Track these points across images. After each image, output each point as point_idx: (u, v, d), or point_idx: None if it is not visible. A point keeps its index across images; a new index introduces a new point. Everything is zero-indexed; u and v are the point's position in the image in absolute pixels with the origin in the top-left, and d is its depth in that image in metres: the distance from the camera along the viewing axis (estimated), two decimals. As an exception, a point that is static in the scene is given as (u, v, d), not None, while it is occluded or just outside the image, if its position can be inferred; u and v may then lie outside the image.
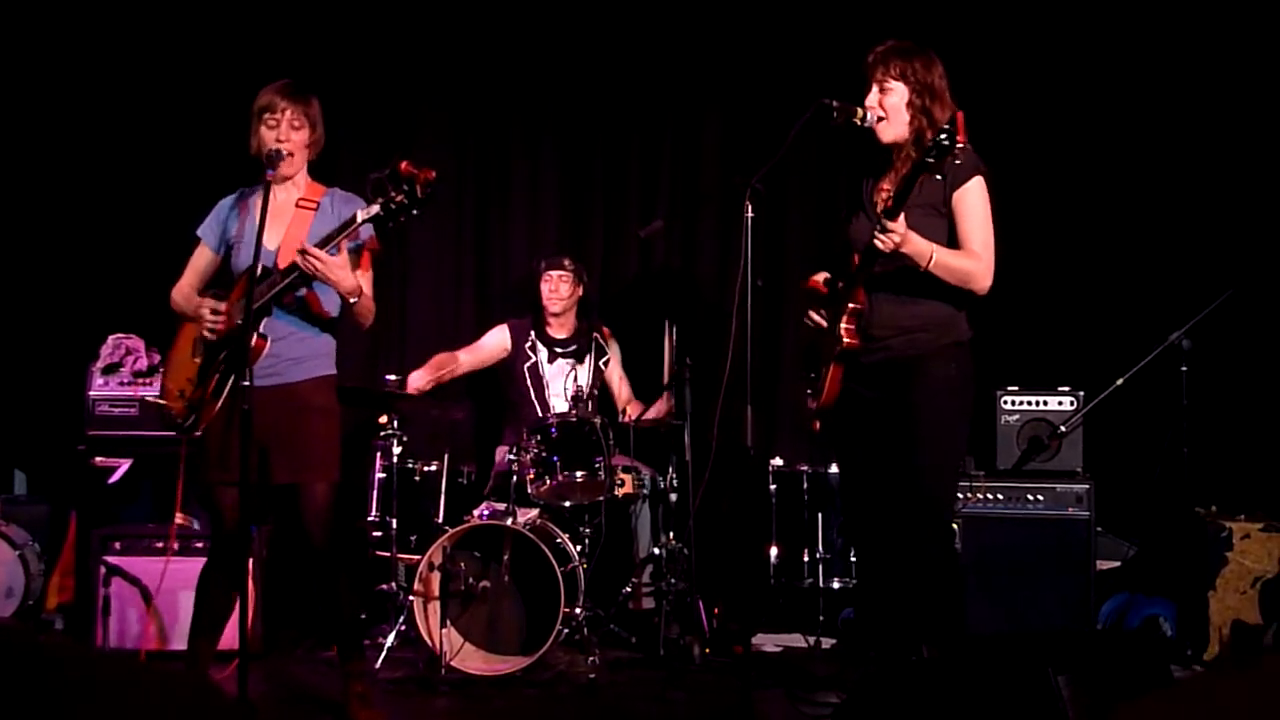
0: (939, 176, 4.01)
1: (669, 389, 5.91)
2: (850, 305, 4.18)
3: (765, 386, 6.49)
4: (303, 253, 4.08)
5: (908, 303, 4.19)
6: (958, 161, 3.92)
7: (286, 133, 4.31)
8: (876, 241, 3.97)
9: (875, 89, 4.22)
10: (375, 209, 4.06)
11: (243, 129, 4.41)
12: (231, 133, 4.53)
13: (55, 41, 6.66)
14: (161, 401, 4.56)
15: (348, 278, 4.20)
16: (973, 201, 4.14)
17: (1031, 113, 6.27)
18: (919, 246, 4.02)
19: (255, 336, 4.10)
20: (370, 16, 6.85)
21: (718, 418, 4.29)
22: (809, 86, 4.91)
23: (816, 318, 4.36)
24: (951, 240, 4.14)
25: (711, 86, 6.87)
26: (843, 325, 4.18)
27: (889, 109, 4.19)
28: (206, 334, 4.31)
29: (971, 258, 4.11)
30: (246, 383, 3.90)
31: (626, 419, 5.94)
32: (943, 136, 3.79)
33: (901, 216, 3.95)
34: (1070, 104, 6.34)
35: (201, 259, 4.53)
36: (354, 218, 4.10)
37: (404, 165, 4.02)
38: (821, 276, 4.46)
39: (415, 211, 4.04)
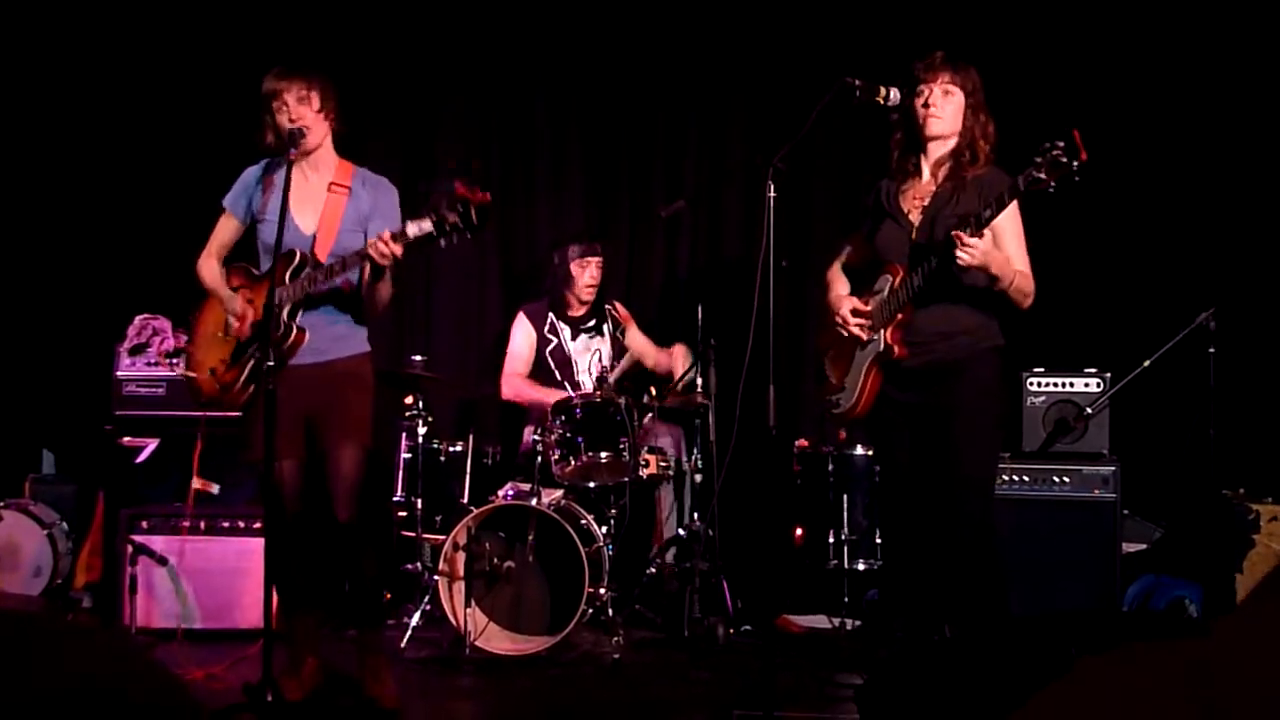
0: (1029, 183, 3.83)
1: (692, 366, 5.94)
2: (899, 316, 4.22)
3: (790, 367, 6.45)
4: (380, 241, 4.08)
5: (948, 309, 4.22)
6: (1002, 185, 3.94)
7: (296, 110, 4.29)
8: (961, 254, 3.93)
9: (936, 89, 4.19)
10: (427, 225, 4.05)
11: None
12: (255, 114, 4.53)
13: (84, 23, 6.68)
14: (190, 374, 4.59)
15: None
16: (1013, 221, 4.17)
17: (1056, 93, 6.21)
18: (1004, 268, 4.05)
19: (295, 330, 4.23)
20: (394, -2, 6.86)
21: (740, 398, 4.28)
22: (837, 66, 4.88)
23: (851, 319, 4.37)
24: None
25: (737, 66, 6.83)
26: (889, 333, 4.23)
27: (946, 113, 4.20)
28: (234, 331, 4.39)
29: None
30: (271, 363, 3.93)
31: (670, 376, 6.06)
32: (1058, 151, 3.68)
33: (987, 232, 3.97)
34: (1094, 85, 6.27)
35: (226, 230, 4.55)
36: (404, 232, 4.07)
37: (460, 186, 4.01)
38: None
39: (469, 235, 4.05)
